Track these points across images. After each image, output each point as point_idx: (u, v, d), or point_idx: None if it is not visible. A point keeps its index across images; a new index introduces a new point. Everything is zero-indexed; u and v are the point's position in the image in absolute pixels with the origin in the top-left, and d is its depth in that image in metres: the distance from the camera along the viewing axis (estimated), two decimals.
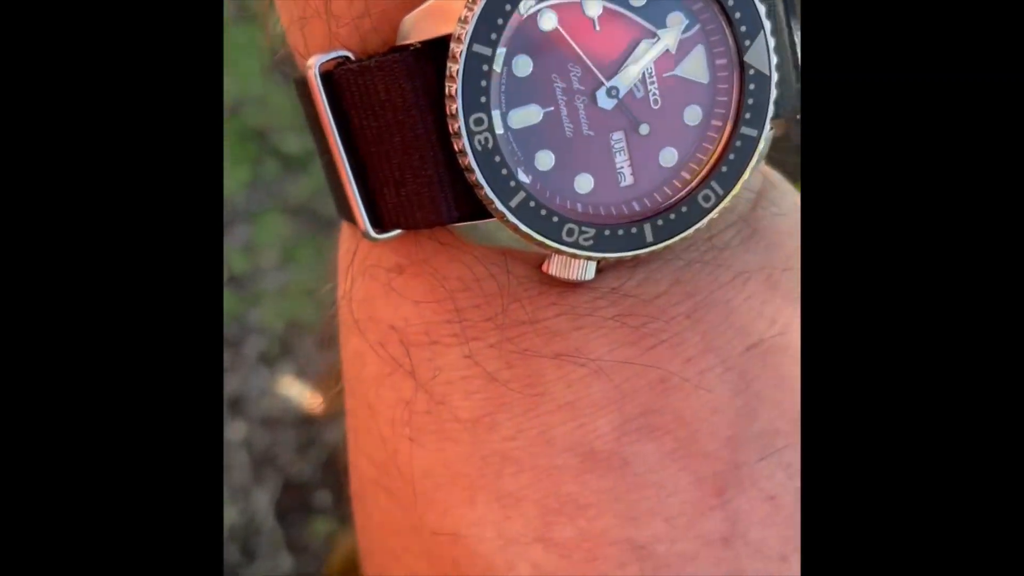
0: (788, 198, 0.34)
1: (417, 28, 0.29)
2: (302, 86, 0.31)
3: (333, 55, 0.30)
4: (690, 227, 0.30)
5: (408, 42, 0.29)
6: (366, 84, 0.29)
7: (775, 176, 0.35)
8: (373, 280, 0.33)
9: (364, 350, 0.33)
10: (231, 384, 1.34)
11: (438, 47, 0.29)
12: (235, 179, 1.47)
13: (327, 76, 0.30)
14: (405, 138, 0.30)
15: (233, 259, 1.42)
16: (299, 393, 1.36)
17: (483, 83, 0.28)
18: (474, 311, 0.31)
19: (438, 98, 0.29)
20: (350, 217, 0.32)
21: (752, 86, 0.30)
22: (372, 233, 0.31)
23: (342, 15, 0.30)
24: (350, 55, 0.30)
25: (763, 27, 0.29)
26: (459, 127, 0.28)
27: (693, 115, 0.30)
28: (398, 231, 0.31)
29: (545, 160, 0.30)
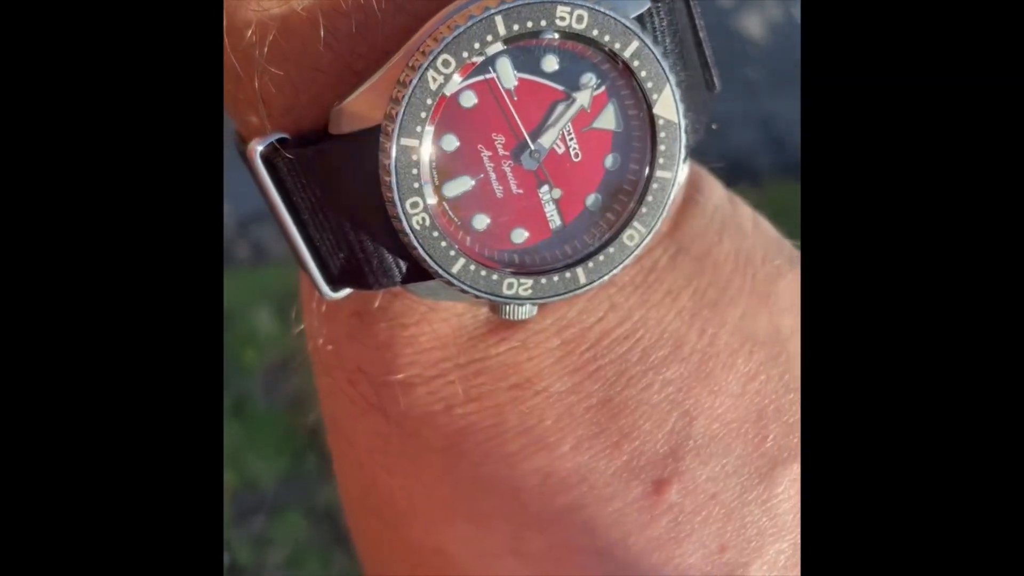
0: (715, 195, 0.37)
1: (348, 117, 0.31)
2: (248, 163, 0.33)
3: (271, 139, 0.32)
4: (618, 266, 0.33)
5: (341, 132, 0.31)
6: (305, 170, 0.32)
7: (701, 177, 0.37)
8: (336, 325, 0.36)
9: (336, 388, 0.36)
10: None
11: (370, 135, 0.31)
12: (272, 469, 1.44)
13: (271, 157, 0.32)
14: (349, 215, 0.32)
15: (241, 549, 1.41)
16: None
17: (414, 171, 0.31)
18: (433, 352, 0.34)
19: (374, 182, 0.31)
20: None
21: (663, 134, 0.32)
22: (329, 293, 0.34)
23: (273, 103, 0.32)
24: (287, 137, 0.32)
25: (668, 80, 0.31)
26: (398, 212, 0.31)
27: (613, 161, 0.33)
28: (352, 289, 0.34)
29: (481, 221, 0.32)
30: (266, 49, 0.31)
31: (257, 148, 0.32)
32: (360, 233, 0.32)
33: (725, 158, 0.38)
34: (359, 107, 0.31)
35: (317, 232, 0.33)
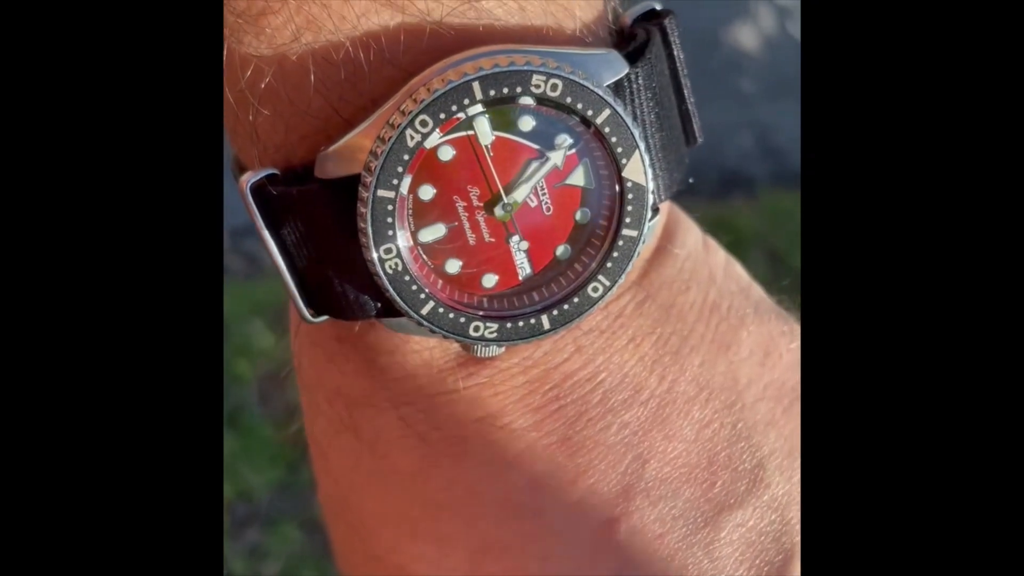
0: (689, 242, 0.39)
1: (332, 163, 0.33)
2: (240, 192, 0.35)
3: (261, 174, 0.34)
4: (581, 315, 0.35)
5: (325, 176, 0.33)
6: (291, 207, 0.34)
7: (678, 223, 0.39)
8: (317, 347, 0.38)
9: (315, 406, 0.38)
10: None
11: (350, 183, 0.33)
12: (267, 479, 1.44)
13: (260, 190, 0.34)
14: (329, 253, 0.34)
15: (235, 561, 1.42)
16: None
17: (389, 220, 0.32)
18: (405, 381, 0.36)
19: (353, 226, 0.33)
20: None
21: (631, 195, 0.34)
22: (309, 317, 0.36)
23: (266, 139, 0.34)
24: (276, 172, 0.34)
25: (637, 146, 0.33)
26: (372, 257, 0.33)
27: (583, 216, 0.34)
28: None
29: (452, 266, 0.34)
30: (261, 89, 0.33)
31: (248, 182, 0.34)
32: (339, 270, 0.34)
33: (720, 169, 0.39)
34: (342, 154, 0.33)
35: (301, 262, 0.35)
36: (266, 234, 0.35)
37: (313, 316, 0.36)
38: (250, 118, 0.33)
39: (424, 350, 0.36)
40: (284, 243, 0.35)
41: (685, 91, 0.37)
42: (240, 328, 1.59)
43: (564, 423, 0.36)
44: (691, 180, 0.39)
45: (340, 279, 0.35)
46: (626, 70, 0.33)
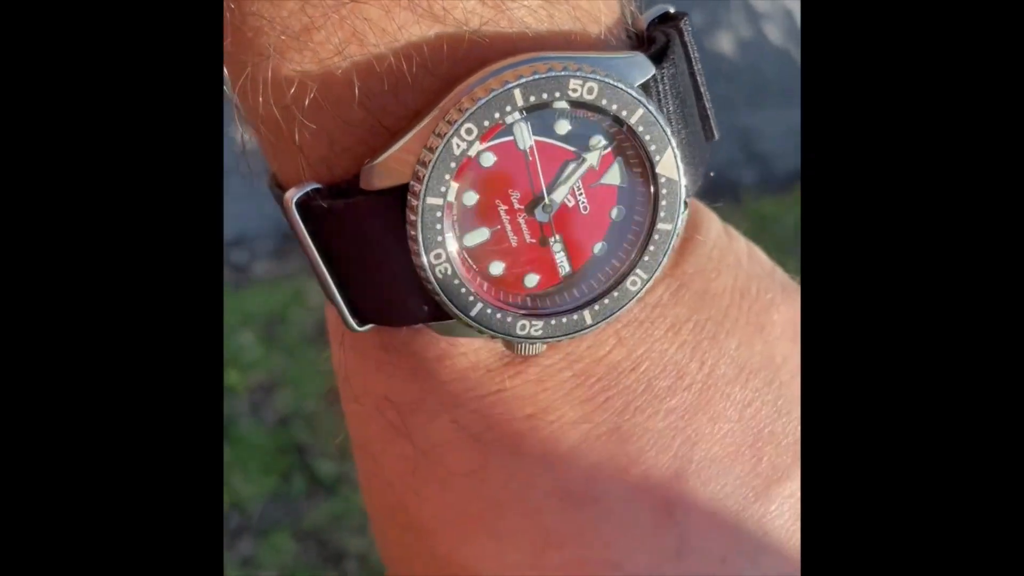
0: (713, 231, 0.40)
1: (378, 174, 0.34)
2: (284, 209, 0.36)
3: (306, 189, 0.35)
4: (621, 308, 0.36)
5: (372, 188, 0.34)
6: (337, 220, 0.35)
7: (700, 214, 0.41)
8: (364, 356, 0.39)
9: (364, 415, 0.40)
10: None
11: (397, 192, 0.34)
12: (260, 488, 1.44)
13: (305, 205, 0.35)
14: (376, 262, 0.35)
15: (229, 571, 1.42)
16: None
17: (438, 226, 0.34)
18: (454, 384, 0.38)
19: (401, 235, 0.34)
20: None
21: (664, 191, 0.35)
22: (355, 326, 0.37)
23: (310, 153, 0.35)
24: (320, 186, 0.35)
25: (670, 143, 0.35)
26: (423, 263, 0.34)
27: (618, 213, 0.36)
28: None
29: (496, 268, 0.36)
30: (306, 104, 0.34)
31: (293, 197, 0.35)
32: (387, 278, 0.36)
33: (704, 175, 0.41)
34: (388, 166, 0.34)
35: (347, 273, 0.36)
36: (311, 246, 0.36)
37: (359, 325, 0.37)
38: (295, 136, 0.35)
39: (471, 352, 0.37)
40: (329, 256, 0.36)
41: (702, 89, 0.39)
42: (230, 339, 1.58)
43: (613, 413, 0.37)
44: (711, 174, 0.40)
45: (388, 287, 0.36)
46: (652, 71, 0.35)
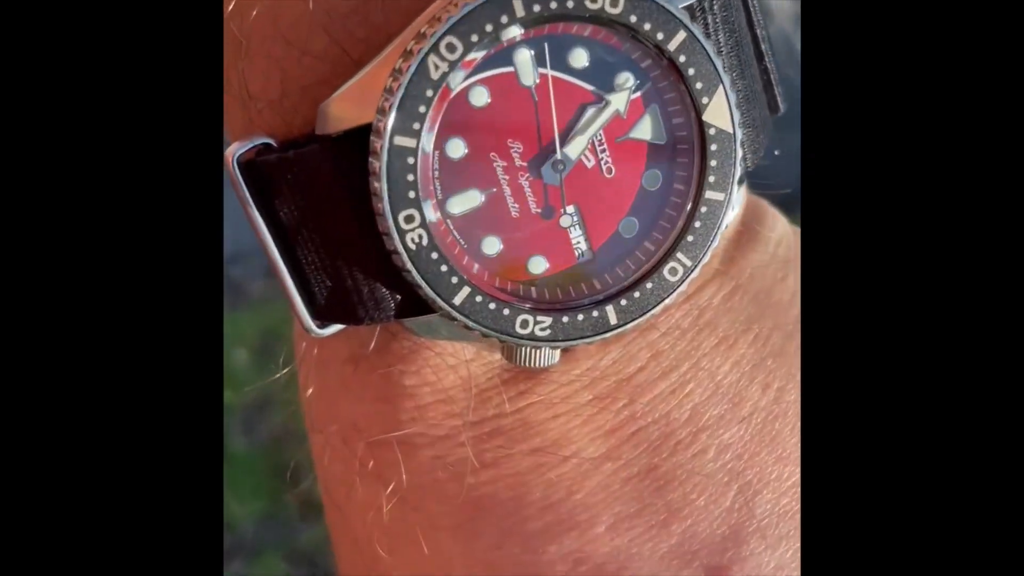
0: (779, 225, 0.32)
1: (336, 114, 0.26)
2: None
3: (253, 143, 0.27)
4: (658, 304, 0.27)
5: (327, 132, 0.26)
6: (288, 176, 0.27)
7: (761, 207, 0.32)
8: (327, 374, 0.31)
9: (328, 448, 0.31)
10: None
11: (360, 136, 0.26)
12: (251, 509, 1.43)
13: (250, 164, 0.28)
14: (335, 234, 0.27)
15: None
16: None
17: (410, 177, 0.25)
18: (439, 407, 0.29)
19: (365, 192, 0.26)
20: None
21: (714, 146, 0.27)
22: (315, 329, 0.29)
23: (260, 95, 0.27)
24: (271, 141, 0.27)
25: (721, 81, 0.26)
26: (388, 226, 0.26)
27: (652, 179, 0.27)
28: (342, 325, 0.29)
29: (491, 246, 0.27)
30: (250, 26, 0.27)
31: (235, 153, 0.27)
32: (348, 255, 0.27)
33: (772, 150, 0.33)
34: (348, 102, 0.26)
35: (303, 255, 0.28)
36: (257, 217, 0.28)
37: (320, 327, 0.29)
38: (239, 69, 0.27)
39: (461, 364, 0.29)
40: (282, 232, 0.28)
41: (763, 46, 0.31)
42: (225, 356, 1.54)
43: (646, 449, 0.28)
44: (776, 152, 0.32)
45: (349, 269, 0.27)
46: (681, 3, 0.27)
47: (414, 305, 0.27)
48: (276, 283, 0.30)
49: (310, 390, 0.31)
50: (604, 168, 0.27)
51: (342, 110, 0.26)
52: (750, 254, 0.30)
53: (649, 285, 0.27)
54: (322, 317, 0.29)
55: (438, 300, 0.26)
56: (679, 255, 0.27)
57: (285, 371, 0.32)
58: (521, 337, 0.27)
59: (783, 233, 0.31)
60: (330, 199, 0.27)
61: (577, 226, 0.27)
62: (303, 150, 0.26)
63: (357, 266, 0.27)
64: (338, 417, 0.30)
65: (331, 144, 0.26)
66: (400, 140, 0.25)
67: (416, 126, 0.25)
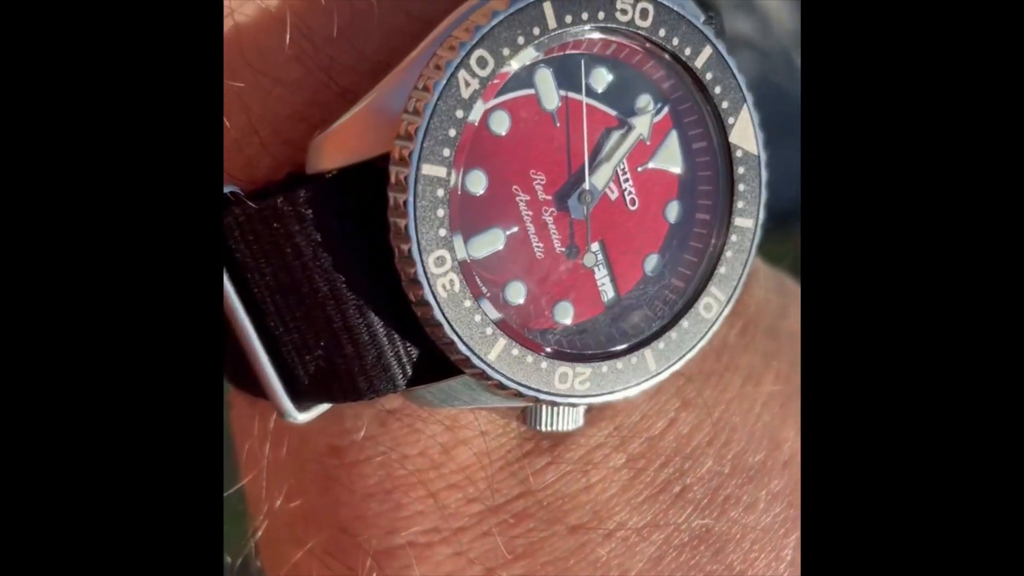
0: (757, 262, 0.30)
1: (332, 149, 0.22)
2: None
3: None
4: (695, 345, 0.25)
5: (322, 170, 0.22)
6: (257, 232, 0.23)
7: None
8: (304, 473, 0.25)
9: (308, 565, 0.25)
10: None
11: (360, 173, 0.22)
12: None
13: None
14: (324, 292, 0.23)
15: None
16: None
17: (440, 212, 0.22)
18: (452, 492, 0.24)
19: (370, 235, 0.22)
20: (259, 390, 0.24)
21: (741, 170, 0.25)
22: (295, 414, 0.24)
23: (224, 135, 0.23)
24: (237, 189, 0.23)
25: (745, 99, 0.25)
26: (416, 273, 0.22)
27: (677, 212, 0.25)
28: (326, 405, 0.24)
29: (516, 292, 0.24)
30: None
31: None
32: (347, 316, 0.23)
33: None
34: (348, 135, 0.22)
35: (279, 324, 0.23)
36: (226, 286, 0.23)
37: (300, 411, 0.24)
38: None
39: (475, 436, 0.25)
40: (252, 297, 0.23)
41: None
42: None
43: (695, 510, 0.25)
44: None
45: (349, 334, 0.23)
46: (702, 17, 0.26)
47: (432, 367, 0.23)
48: (236, 365, 0.25)
49: (279, 495, 0.26)
50: (628, 200, 0.24)
51: (342, 143, 0.22)
52: (750, 288, 0.28)
53: (685, 324, 0.25)
54: (305, 398, 0.24)
55: (472, 357, 0.22)
56: (712, 289, 0.25)
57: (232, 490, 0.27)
58: (562, 393, 0.23)
59: (760, 266, 0.30)
60: (325, 248, 0.22)
61: (602, 265, 0.24)
62: (277, 200, 0.22)
63: (361, 327, 0.23)
64: (321, 524, 0.25)
65: (326, 184, 0.22)
66: (429, 169, 0.22)
67: (446, 152, 0.22)
